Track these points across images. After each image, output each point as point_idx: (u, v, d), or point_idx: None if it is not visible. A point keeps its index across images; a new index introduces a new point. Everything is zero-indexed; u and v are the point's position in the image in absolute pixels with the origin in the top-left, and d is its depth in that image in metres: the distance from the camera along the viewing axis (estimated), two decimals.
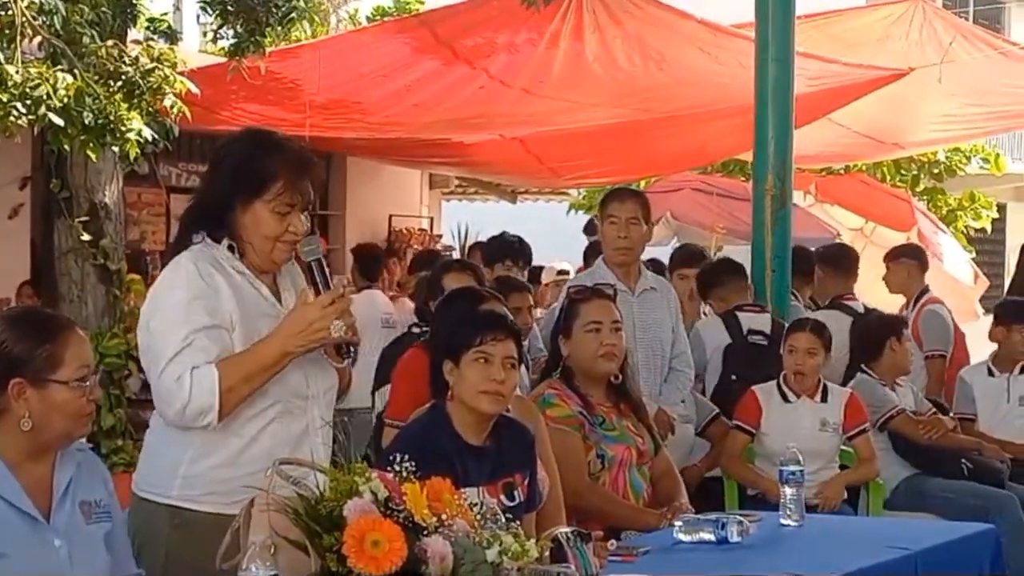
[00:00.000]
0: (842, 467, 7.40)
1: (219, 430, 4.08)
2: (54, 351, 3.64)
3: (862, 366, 8.06)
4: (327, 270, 4.30)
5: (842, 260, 9.58)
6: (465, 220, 17.13)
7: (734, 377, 7.80)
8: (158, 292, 4.18)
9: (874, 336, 8.10)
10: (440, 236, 16.28)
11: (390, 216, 15.47)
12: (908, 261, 9.92)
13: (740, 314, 8.18)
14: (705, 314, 8.74)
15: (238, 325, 4.13)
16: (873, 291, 10.75)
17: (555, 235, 15.45)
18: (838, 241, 13.45)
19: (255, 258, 4.22)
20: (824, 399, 7.35)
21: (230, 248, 4.20)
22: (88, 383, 3.69)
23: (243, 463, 4.09)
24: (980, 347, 9.63)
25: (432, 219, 16.34)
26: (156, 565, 4.02)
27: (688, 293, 8.67)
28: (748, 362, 7.82)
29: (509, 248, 9.00)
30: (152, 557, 4.05)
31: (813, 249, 9.85)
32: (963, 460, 7.94)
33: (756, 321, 8.15)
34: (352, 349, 4.24)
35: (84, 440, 3.86)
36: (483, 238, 11.68)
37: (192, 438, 4.10)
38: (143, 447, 4.30)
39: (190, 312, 4.06)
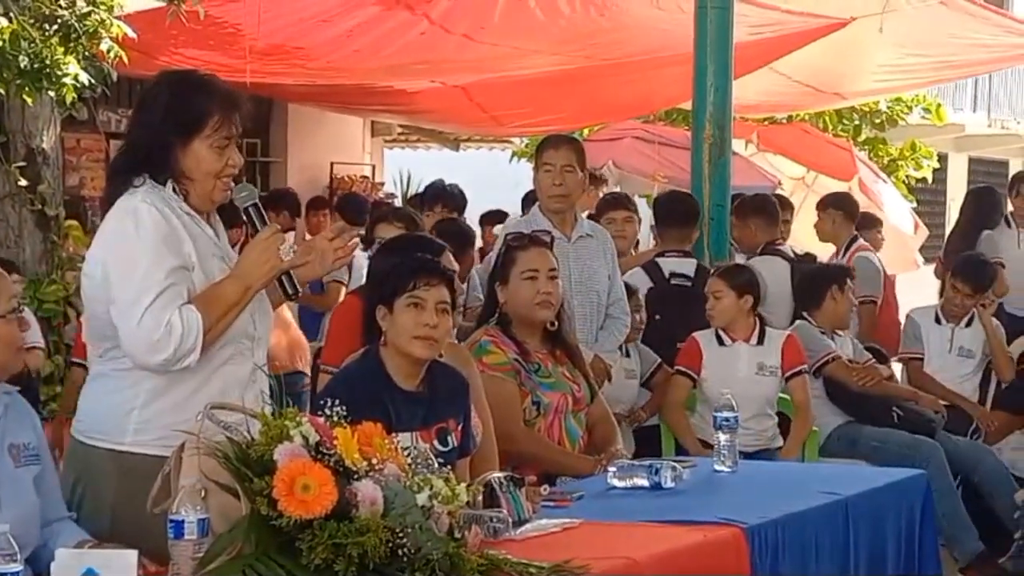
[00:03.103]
0: (779, 414, 7.46)
1: (171, 374, 4.05)
2: None
3: (803, 313, 8.13)
4: (264, 213, 4.30)
5: (771, 208, 9.64)
6: (407, 168, 17.07)
7: (657, 317, 7.81)
8: (123, 235, 4.09)
9: (816, 284, 8.17)
10: (382, 184, 16.21)
11: (332, 163, 15.37)
12: (833, 211, 10.20)
13: (661, 260, 8.19)
14: None
15: (196, 266, 4.12)
16: (814, 240, 10.84)
17: (498, 183, 15.41)
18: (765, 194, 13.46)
19: (196, 199, 4.21)
20: (761, 342, 7.40)
21: (174, 190, 4.18)
22: (18, 314, 3.72)
23: (195, 406, 3.98)
24: (919, 296, 9.74)
25: (374, 167, 16.26)
26: (103, 512, 4.00)
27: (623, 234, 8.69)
28: (672, 303, 7.85)
29: (441, 194, 9.00)
30: (98, 504, 4.02)
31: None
32: (894, 409, 8.03)
33: (678, 265, 8.14)
34: (296, 283, 4.25)
35: (22, 382, 3.85)
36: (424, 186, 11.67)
37: (144, 382, 4.07)
38: (85, 393, 4.24)
39: (161, 254, 4.03)
